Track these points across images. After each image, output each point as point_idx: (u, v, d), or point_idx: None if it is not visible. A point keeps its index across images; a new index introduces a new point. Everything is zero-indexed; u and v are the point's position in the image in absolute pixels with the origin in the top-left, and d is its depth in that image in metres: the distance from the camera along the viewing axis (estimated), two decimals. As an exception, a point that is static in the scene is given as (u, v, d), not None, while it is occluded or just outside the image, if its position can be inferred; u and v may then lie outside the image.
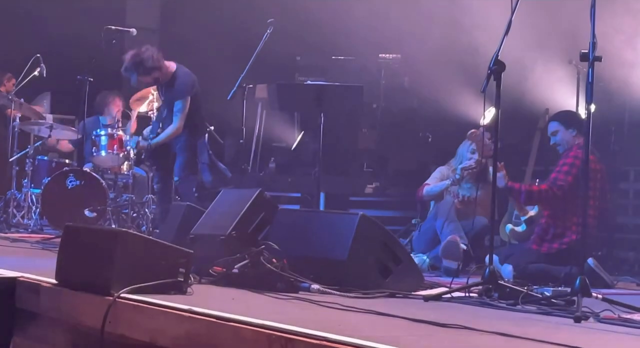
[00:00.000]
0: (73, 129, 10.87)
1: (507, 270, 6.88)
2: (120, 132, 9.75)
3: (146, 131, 9.25)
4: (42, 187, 9.83)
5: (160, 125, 8.76)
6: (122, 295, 4.72)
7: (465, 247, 7.47)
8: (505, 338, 3.89)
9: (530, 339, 3.84)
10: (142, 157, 9.10)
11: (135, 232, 5.27)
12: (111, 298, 4.70)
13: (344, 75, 10.82)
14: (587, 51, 4.88)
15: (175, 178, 8.73)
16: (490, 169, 6.22)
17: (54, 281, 5.27)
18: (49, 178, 9.84)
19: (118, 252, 4.93)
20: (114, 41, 9.48)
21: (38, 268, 5.74)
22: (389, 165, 11.72)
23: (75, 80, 9.89)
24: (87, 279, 5.01)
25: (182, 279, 5.06)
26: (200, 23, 11.75)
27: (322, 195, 8.36)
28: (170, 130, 8.56)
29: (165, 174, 8.88)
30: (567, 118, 7.34)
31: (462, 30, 9.58)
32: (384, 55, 11.51)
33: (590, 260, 6.62)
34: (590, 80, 4.87)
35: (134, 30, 9.67)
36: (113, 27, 9.67)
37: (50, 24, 11.63)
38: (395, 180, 11.40)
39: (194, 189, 8.77)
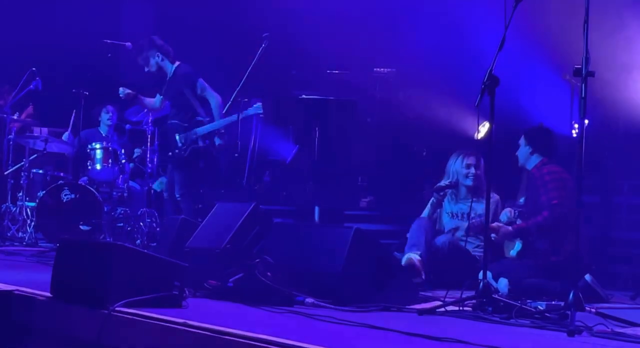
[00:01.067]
0: (66, 141, 10.87)
1: (503, 284, 6.88)
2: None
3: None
4: (37, 200, 9.84)
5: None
6: (117, 308, 4.73)
7: (419, 258, 7.33)
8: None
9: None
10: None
11: (130, 246, 5.27)
12: (106, 311, 4.71)
13: (339, 89, 10.85)
14: (580, 66, 4.92)
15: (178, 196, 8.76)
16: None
17: (49, 295, 5.28)
18: (44, 192, 9.84)
19: (113, 266, 4.94)
20: (109, 55, 9.51)
21: (33, 282, 5.75)
22: (383, 179, 11.73)
23: (70, 93, 9.90)
24: (82, 293, 5.03)
25: (177, 293, 5.07)
26: (194, 37, 11.77)
27: (316, 209, 8.36)
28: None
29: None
30: (531, 135, 7.25)
31: (457, 44, 9.63)
32: (378, 69, 11.55)
33: (587, 276, 6.63)
34: (583, 95, 4.89)
35: (129, 44, 9.69)
36: (109, 41, 9.70)
37: (46, 37, 11.63)
38: (389, 194, 11.41)
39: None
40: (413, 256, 7.26)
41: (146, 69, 8.89)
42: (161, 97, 9.08)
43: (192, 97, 8.68)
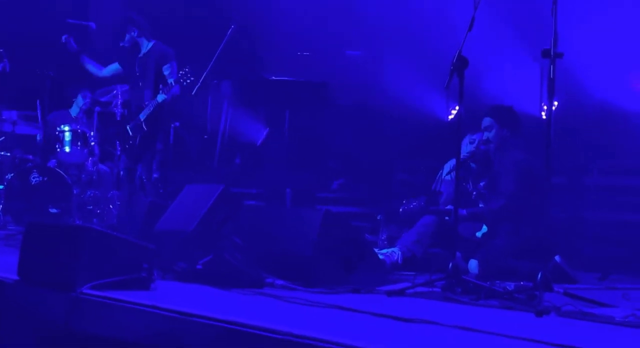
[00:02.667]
0: (36, 123, 10.77)
1: (473, 265, 6.90)
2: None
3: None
4: (5, 183, 9.74)
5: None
6: (85, 291, 4.70)
7: (400, 256, 7.31)
8: (466, 332, 3.92)
9: (492, 333, 3.87)
10: None
11: (97, 228, 5.24)
12: (74, 294, 4.69)
13: (310, 71, 10.82)
14: (549, 48, 4.91)
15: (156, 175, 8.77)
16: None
17: (16, 278, 5.24)
18: (12, 174, 9.75)
19: (81, 248, 4.91)
20: (68, 37, 9.37)
21: (0, 265, 5.70)
22: (355, 162, 11.72)
23: (37, 75, 9.81)
24: (50, 275, 4.99)
25: (145, 275, 5.05)
26: (163, 18, 11.69)
27: (288, 191, 8.35)
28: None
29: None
30: (503, 116, 7.14)
31: (428, 25, 9.62)
32: (349, 51, 11.51)
33: (557, 257, 6.66)
34: (552, 76, 4.89)
35: (92, 24, 9.58)
36: (71, 21, 9.59)
37: (13, 16, 11.51)
38: (361, 177, 11.41)
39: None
40: (396, 254, 7.20)
41: (121, 43, 8.88)
42: (118, 67, 9.04)
43: (158, 76, 8.66)
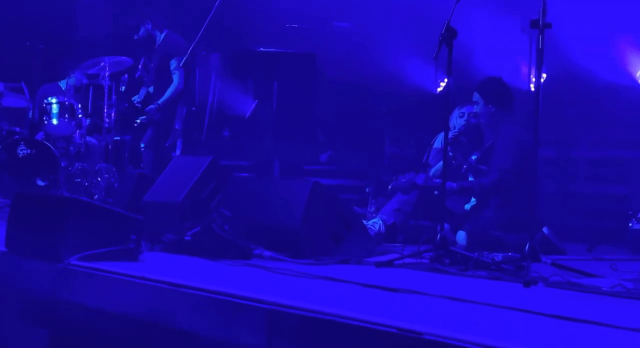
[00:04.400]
0: (23, 96, 10.71)
1: (461, 236, 6.91)
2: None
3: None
4: (-8, 156, 9.69)
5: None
6: (72, 262, 4.69)
7: (381, 225, 7.31)
8: (454, 302, 3.93)
9: (479, 302, 3.88)
10: None
11: (85, 199, 5.23)
12: (62, 265, 4.68)
13: (299, 43, 10.77)
14: (537, 18, 4.88)
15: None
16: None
17: (3, 249, 5.22)
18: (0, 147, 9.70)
19: (68, 219, 4.90)
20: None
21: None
22: (343, 134, 11.70)
23: (26, 47, 9.75)
24: (38, 247, 4.98)
25: (133, 246, 5.05)
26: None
27: (276, 163, 8.33)
28: None
29: None
30: (489, 92, 7.07)
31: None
32: (338, 23, 11.46)
33: (545, 229, 6.67)
34: (540, 47, 4.86)
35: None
36: None
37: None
38: (349, 149, 11.41)
39: None
40: (378, 225, 7.21)
41: (135, 37, 9.00)
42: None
43: (163, 67, 8.81)
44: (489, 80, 7.22)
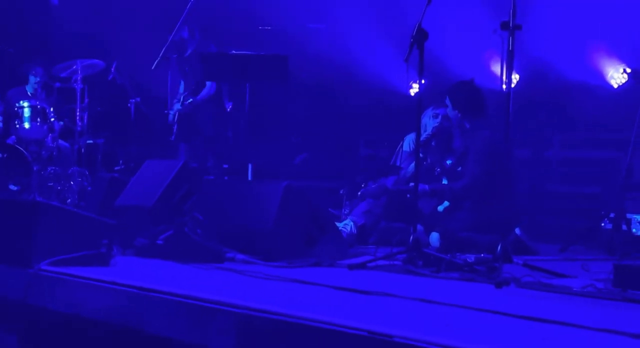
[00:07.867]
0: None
1: (434, 238, 6.92)
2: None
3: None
4: (-36, 161, 9.61)
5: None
6: (43, 267, 4.66)
7: (352, 226, 7.33)
8: (426, 304, 3.93)
9: (451, 304, 3.88)
10: None
11: (55, 203, 5.20)
12: (32, 270, 4.65)
13: (272, 45, 10.75)
14: (507, 20, 4.90)
15: None
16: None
17: (-27, 254, 5.18)
18: (-30, 152, 9.63)
19: (38, 224, 4.87)
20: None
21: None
22: (317, 136, 11.70)
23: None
24: (8, 252, 4.95)
25: (105, 251, 5.02)
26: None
27: (249, 166, 8.30)
28: None
29: None
30: (457, 97, 7.03)
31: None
32: (311, 24, 11.46)
33: (517, 230, 6.69)
34: (510, 48, 4.88)
35: (55, 0, 9.48)
36: None
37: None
38: (324, 151, 11.40)
39: None
40: (349, 227, 7.21)
41: (170, 38, 9.17)
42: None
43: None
44: (460, 85, 7.20)
